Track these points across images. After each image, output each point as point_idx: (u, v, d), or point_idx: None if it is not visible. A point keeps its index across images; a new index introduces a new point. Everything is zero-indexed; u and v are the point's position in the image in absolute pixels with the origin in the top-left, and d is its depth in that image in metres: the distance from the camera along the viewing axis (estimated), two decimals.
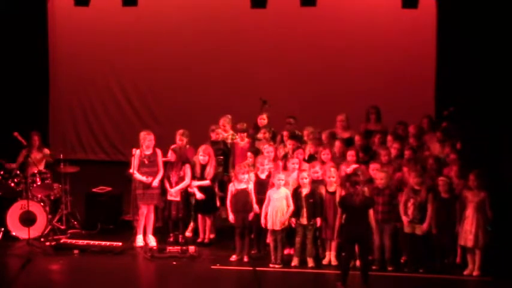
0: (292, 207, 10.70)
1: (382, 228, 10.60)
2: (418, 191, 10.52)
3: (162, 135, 12.88)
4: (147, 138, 11.63)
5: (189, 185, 11.62)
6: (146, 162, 11.57)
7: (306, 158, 11.61)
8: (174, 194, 11.59)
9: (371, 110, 12.92)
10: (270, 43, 15.44)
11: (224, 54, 15.59)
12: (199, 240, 11.78)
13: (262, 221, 10.80)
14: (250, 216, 10.91)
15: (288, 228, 10.82)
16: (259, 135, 12.53)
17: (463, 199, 10.39)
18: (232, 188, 10.99)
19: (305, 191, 10.75)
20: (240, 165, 11.17)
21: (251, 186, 10.94)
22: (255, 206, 10.90)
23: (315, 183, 10.85)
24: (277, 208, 10.74)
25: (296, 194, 10.79)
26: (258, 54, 15.49)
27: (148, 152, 11.64)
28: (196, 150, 11.80)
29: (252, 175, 11.10)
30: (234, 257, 10.99)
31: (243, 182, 10.90)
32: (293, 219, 10.74)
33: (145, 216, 11.64)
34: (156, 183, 11.56)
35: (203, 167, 11.62)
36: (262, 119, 12.78)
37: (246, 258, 10.92)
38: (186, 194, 11.71)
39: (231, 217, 10.99)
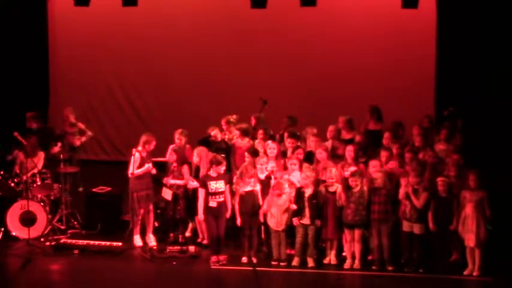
0: (295, 207, 10.70)
1: (379, 228, 10.61)
2: (416, 190, 10.52)
3: (161, 135, 12.86)
4: (151, 143, 11.58)
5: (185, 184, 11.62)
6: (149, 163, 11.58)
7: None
8: (169, 193, 11.58)
9: (370, 110, 12.91)
10: (270, 43, 15.43)
11: (224, 54, 15.59)
12: (199, 240, 11.77)
13: (262, 218, 10.83)
14: (261, 217, 10.87)
15: (289, 228, 10.81)
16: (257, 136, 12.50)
17: (461, 199, 10.40)
18: (239, 189, 10.90)
19: (308, 191, 10.75)
20: (245, 167, 11.09)
21: (258, 188, 10.90)
22: (264, 207, 10.87)
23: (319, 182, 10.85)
24: (280, 208, 10.74)
25: (299, 193, 10.79)
26: (258, 54, 15.49)
27: (144, 154, 11.61)
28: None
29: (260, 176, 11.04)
30: (244, 259, 10.89)
31: (249, 184, 10.85)
32: (295, 219, 10.73)
33: (145, 216, 11.64)
34: (154, 171, 11.61)
35: (198, 168, 11.57)
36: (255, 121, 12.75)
37: (254, 259, 10.82)
38: (187, 194, 11.71)
39: (238, 220, 10.89)
